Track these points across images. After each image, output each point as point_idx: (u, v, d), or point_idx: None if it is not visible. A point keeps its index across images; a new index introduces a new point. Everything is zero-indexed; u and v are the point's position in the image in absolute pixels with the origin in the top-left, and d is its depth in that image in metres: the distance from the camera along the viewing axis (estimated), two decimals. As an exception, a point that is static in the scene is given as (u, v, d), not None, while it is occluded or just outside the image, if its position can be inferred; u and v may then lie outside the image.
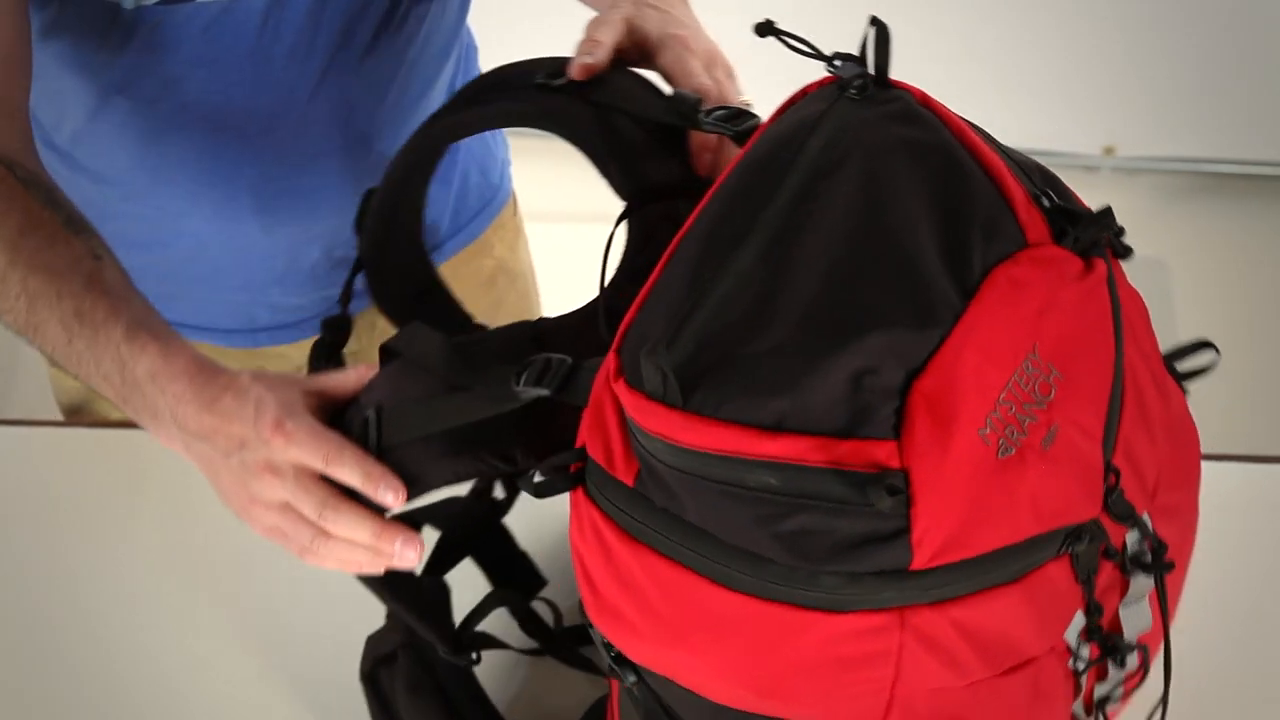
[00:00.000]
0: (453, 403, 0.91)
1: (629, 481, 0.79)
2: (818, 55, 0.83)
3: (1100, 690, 0.90)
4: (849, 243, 0.76)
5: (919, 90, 0.82)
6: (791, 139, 0.81)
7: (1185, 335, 1.13)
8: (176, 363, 0.94)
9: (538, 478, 0.82)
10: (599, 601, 0.83)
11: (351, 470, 0.90)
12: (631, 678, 0.86)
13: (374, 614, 1.09)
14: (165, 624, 1.20)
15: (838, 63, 0.82)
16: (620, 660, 0.85)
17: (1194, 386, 1.07)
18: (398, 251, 1.09)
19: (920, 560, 0.73)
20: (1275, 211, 2.86)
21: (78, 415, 1.48)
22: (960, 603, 0.76)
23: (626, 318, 0.79)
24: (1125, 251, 0.84)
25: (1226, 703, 1.21)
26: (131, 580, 1.23)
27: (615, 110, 0.97)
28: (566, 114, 0.95)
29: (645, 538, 0.79)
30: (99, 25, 1.14)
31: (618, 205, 0.95)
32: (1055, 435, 0.76)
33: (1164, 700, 0.92)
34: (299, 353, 1.41)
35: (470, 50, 1.43)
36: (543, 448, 0.89)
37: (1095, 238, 0.82)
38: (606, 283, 0.94)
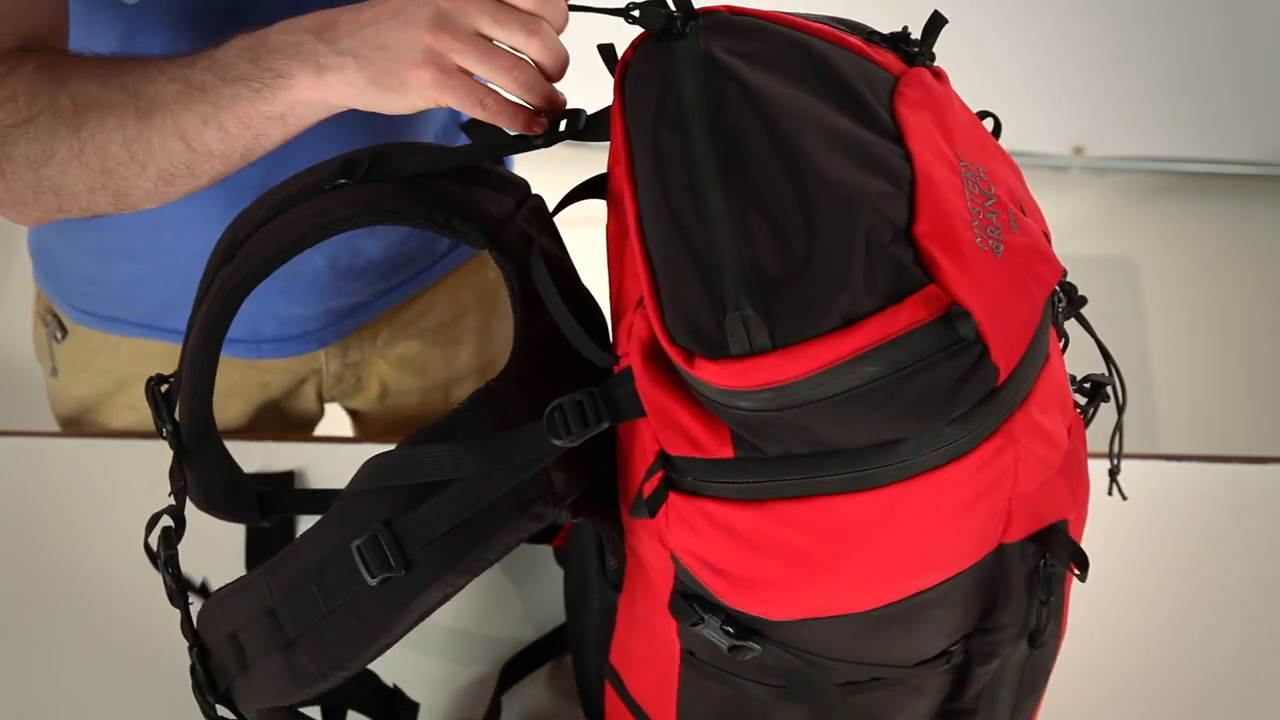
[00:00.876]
0: (475, 483, 0.89)
1: (730, 453, 0.81)
2: (614, 12, 0.90)
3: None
4: (788, 149, 0.82)
5: (722, 5, 0.90)
6: (663, 99, 0.86)
7: (1154, 332, 1.16)
8: (306, 16, 0.93)
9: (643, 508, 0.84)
10: (734, 583, 0.84)
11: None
12: (757, 648, 0.88)
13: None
14: (169, 628, 1.20)
15: (636, 13, 0.88)
16: (745, 634, 0.88)
17: (1160, 386, 1.11)
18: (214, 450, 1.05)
19: (1005, 371, 0.79)
20: (1243, 210, 2.87)
21: (75, 426, 1.47)
22: (1032, 394, 0.83)
23: (652, 317, 0.80)
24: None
25: (1225, 703, 1.22)
26: (134, 585, 1.23)
27: (422, 177, 0.97)
28: (386, 202, 0.94)
29: (770, 493, 0.81)
30: (102, 23, 1.13)
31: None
32: (1014, 218, 0.84)
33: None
34: (302, 365, 1.41)
35: None
36: (577, 469, 0.91)
37: (929, 48, 0.92)
38: (521, 320, 0.97)
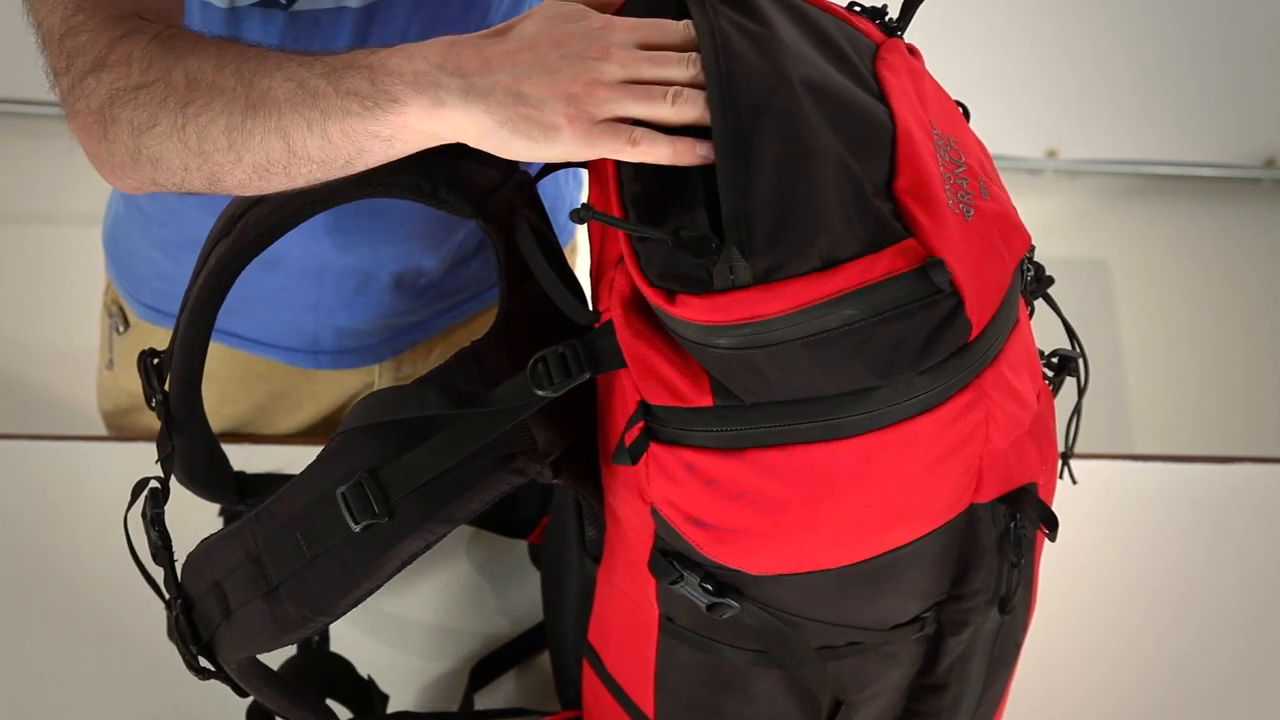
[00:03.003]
0: (459, 434, 0.91)
1: (709, 402, 0.83)
2: None
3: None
4: (781, 93, 0.84)
5: None
6: None
7: (1127, 333, 1.18)
8: (426, 42, 0.89)
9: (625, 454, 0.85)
10: (713, 534, 0.86)
11: (672, 29, 0.88)
12: (735, 605, 0.89)
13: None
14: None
15: None
16: (723, 590, 0.89)
17: (1132, 387, 1.14)
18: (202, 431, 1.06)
19: (977, 327, 0.81)
20: (1214, 212, 2.89)
21: (120, 420, 1.48)
22: (1003, 353, 0.85)
23: (629, 258, 0.82)
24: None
25: (1195, 697, 1.24)
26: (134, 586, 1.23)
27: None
28: (373, 172, 0.93)
29: (748, 441, 0.83)
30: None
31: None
32: (984, 186, 0.86)
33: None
34: (356, 379, 1.41)
35: None
36: (559, 426, 0.93)
37: (907, 23, 0.94)
38: (505, 291, 0.99)
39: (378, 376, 1.42)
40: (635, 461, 0.85)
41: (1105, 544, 1.30)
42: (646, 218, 0.83)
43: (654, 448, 0.85)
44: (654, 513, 0.88)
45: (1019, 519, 0.91)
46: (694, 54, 0.86)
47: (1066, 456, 1.04)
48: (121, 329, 1.42)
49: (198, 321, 0.98)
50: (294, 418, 1.43)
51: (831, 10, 0.93)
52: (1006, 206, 0.88)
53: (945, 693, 1.00)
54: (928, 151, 0.85)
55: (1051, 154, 2.86)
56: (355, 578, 0.92)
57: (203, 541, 0.98)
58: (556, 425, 0.93)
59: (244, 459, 1.25)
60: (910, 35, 0.95)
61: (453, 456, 0.91)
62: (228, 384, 1.38)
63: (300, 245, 1.25)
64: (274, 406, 1.41)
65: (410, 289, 1.34)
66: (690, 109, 0.84)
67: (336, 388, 1.42)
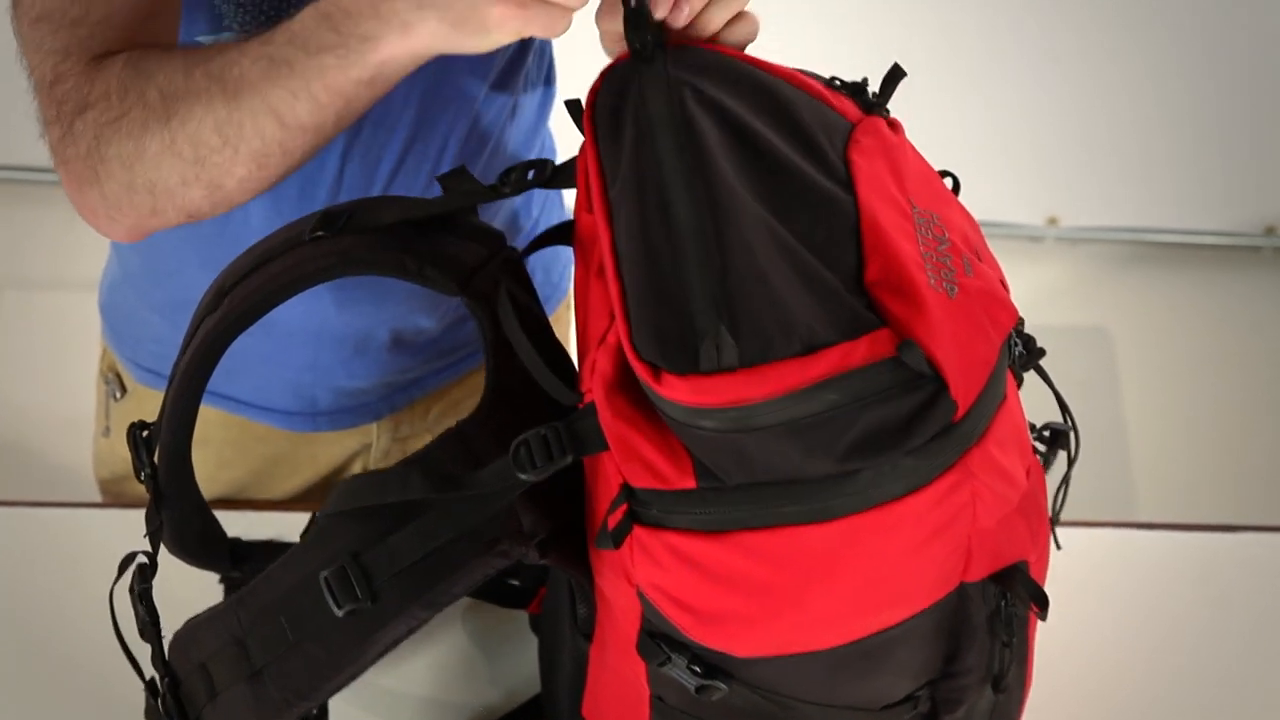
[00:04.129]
0: (443, 517, 0.91)
1: (692, 484, 0.82)
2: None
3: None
4: (749, 172, 0.85)
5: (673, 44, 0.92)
6: (634, 117, 0.88)
7: (1129, 401, 1.18)
8: None
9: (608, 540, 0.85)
10: (698, 617, 0.85)
11: None
12: (724, 688, 0.88)
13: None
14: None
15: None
16: (712, 673, 0.88)
17: (1135, 454, 1.14)
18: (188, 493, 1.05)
19: (962, 407, 0.81)
20: (1215, 280, 2.89)
21: (116, 487, 1.47)
22: (989, 432, 0.85)
23: (621, 334, 0.82)
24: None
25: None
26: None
27: (397, 227, 0.98)
28: (360, 252, 0.95)
29: (732, 523, 0.82)
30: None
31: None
32: (969, 263, 0.86)
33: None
34: (354, 439, 1.41)
35: (549, 144, 1.42)
36: (543, 508, 0.92)
37: (887, 99, 0.94)
38: (492, 367, 0.99)
39: (375, 436, 1.41)
40: (618, 545, 0.85)
41: (1107, 612, 1.29)
42: (640, 290, 0.83)
43: (637, 531, 0.84)
44: (640, 595, 0.87)
45: (1009, 598, 0.90)
46: None
47: (1054, 522, 1.03)
48: (118, 395, 1.42)
49: (185, 396, 0.98)
50: (291, 481, 1.42)
51: (807, 88, 0.92)
52: (992, 283, 0.87)
53: None
54: (903, 234, 0.85)
55: (1052, 221, 2.87)
56: (339, 662, 0.91)
57: (189, 621, 0.98)
58: (542, 506, 0.92)
59: (243, 526, 1.25)
60: (913, 103, 0.95)
61: (436, 540, 0.90)
62: (223, 448, 1.37)
63: (300, 304, 1.25)
64: (272, 470, 1.40)
65: (409, 347, 1.34)
66: None
67: (335, 449, 1.41)
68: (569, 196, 1.01)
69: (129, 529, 1.31)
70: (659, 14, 0.91)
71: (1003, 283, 0.91)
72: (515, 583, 1.20)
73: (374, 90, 0.94)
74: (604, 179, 0.88)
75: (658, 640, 0.88)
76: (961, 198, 0.97)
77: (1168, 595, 1.32)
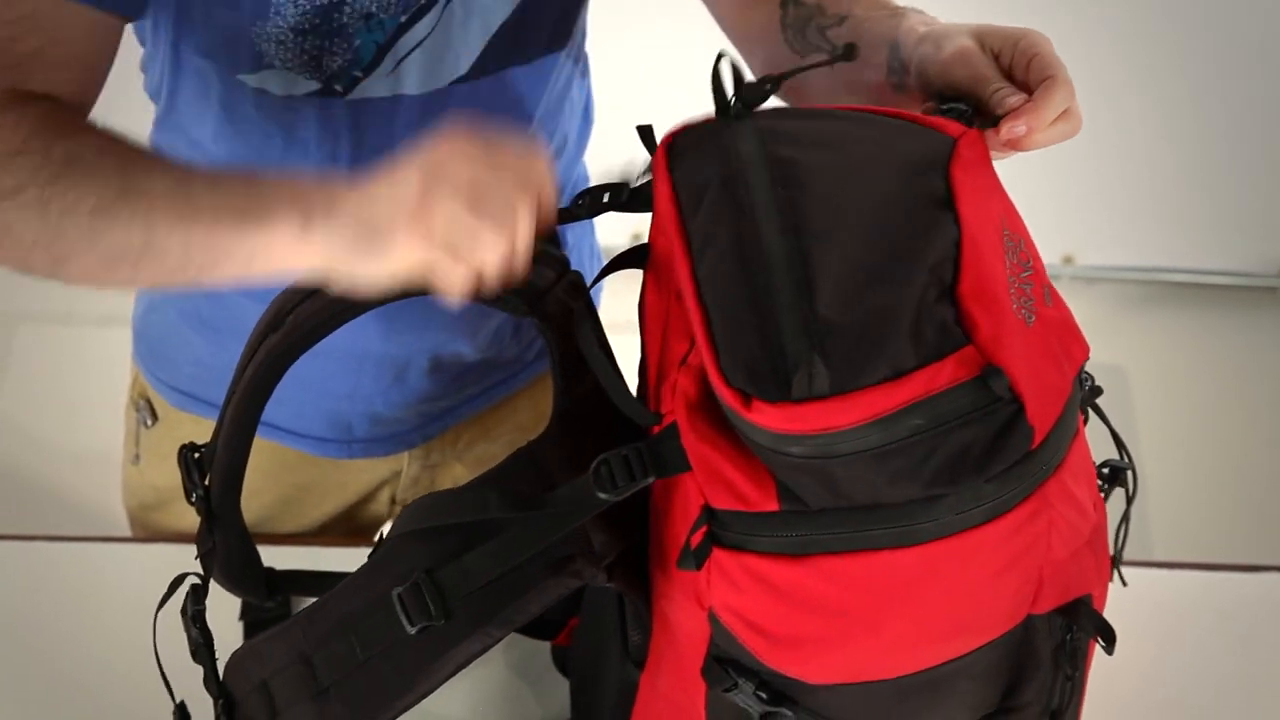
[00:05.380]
0: (518, 536, 0.91)
1: (775, 507, 0.83)
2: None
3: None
4: (847, 203, 0.85)
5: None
6: (720, 157, 0.88)
7: (1145, 440, 1.19)
8: (299, 177, 0.94)
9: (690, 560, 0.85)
10: (773, 641, 0.85)
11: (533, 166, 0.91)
12: (790, 715, 0.88)
13: None
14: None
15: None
16: (778, 699, 0.88)
17: (1151, 494, 1.15)
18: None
19: (1040, 434, 0.82)
20: (1231, 320, 2.89)
21: (147, 516, 1.47)
22: (1064, 463, 0.85)
23: (707, 360, 0.82)
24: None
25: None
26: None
27: None
28: None
29: (814, 547, 0.83)
30: (244, 111, 1.16)
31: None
32: (1049, 293, 0.87)
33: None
34: (385, 467, 1.41)
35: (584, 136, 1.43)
36: (615, 530, 0.93)
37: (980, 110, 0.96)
38: (561, 389, 1.00)
39: (406, 464, 1.41)
40: (699, 567, 0.85)
41: (1127, 652, 1.28)
42: (727, 321, 0.83)
43: (716, 553, 0.84)
44: (712, 618, 0.87)
45: (1075, 630, 0.90)
46: (524, 211, 0.89)
47: (1117, 561, 1.03)
48: (149, 422, 1.42)
49: (244, 415, 0.98)
50: (319, 509, 1.43)
51: (900, 114, 0.93)
52: (1067, 314, 0.88)
53: None
54: (995, 254, 0.85)
55: (1068, 260, 2.87)
56: (410, 681, 0.91)
57: (248, 641, 0.97)
58: (613, 528, 0.93)
59: (269, 559, 1.25)
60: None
61: (511, 560, 0.90)
62: (252, 476, 1.36)
63: (346, 331, 1.26)
64: (300, 498, 1.41)
65: (446, 374, 1.34)
66: (500, 262, 0.89)
67: (365, 477, 1.41)
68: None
69: (148, 563, 1.32)
70: (1003, 138, 0.93)
71: None
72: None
73: (245, 270, 0.94)
74: (680, 209, 0.88)
75: (725, 665, 0.88)
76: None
77: (1187, 635, 1.31)
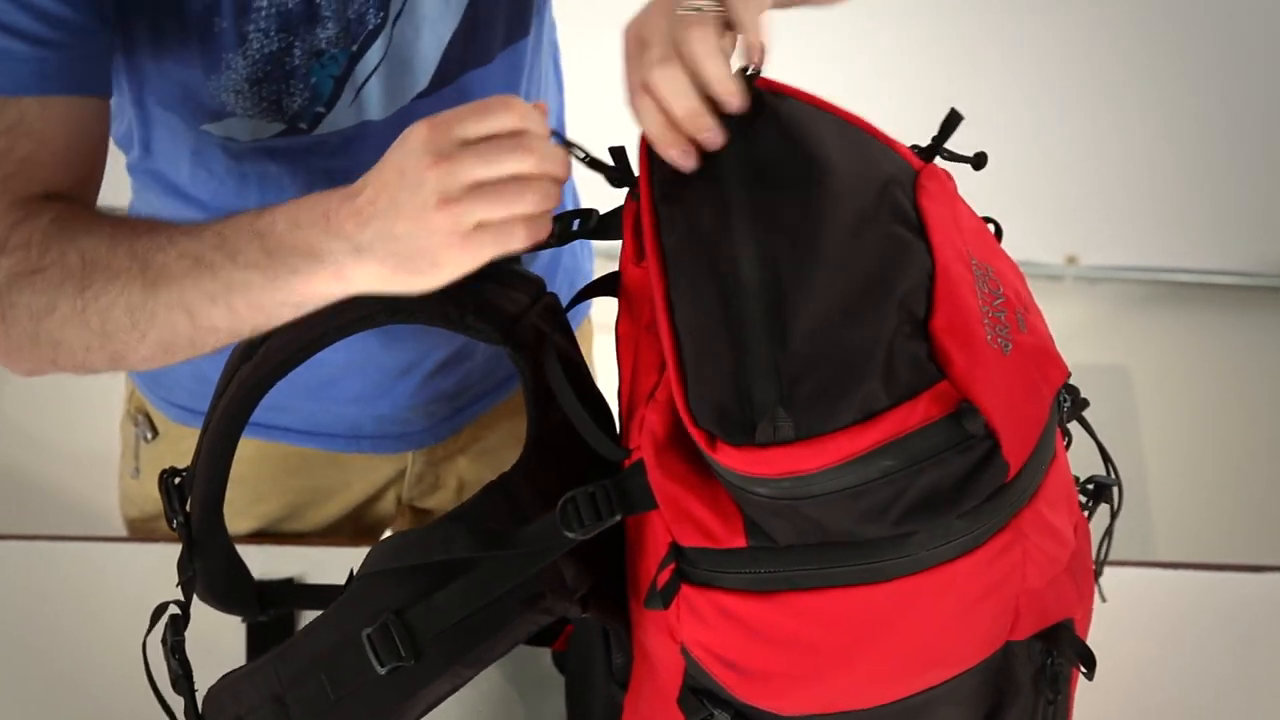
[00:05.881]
0: (487, 574, 0.90)
1: (742, 543, 0.82)
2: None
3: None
4: (821, 227, 0.84)
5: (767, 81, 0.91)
6: (700, 174, 0.87)
7: (1148, 440, 1.18)
8: (302, 203, 0.91)
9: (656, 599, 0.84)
10: (744, 676, 0.85)
11: (498, 108, 0.88)
12: None
13: None
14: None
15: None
16: None
17: (1154, 494, 1.14)
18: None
19: (1014, 467, 0.80)
20: (1235, 319, 2.89)
21: (148, 526, 1.47)
22: (1040, 491, 0.84)
23: (677, 397, 0.82)
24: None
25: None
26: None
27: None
28: (401, 300, 0.94)
29: (782, 583, 0.82)
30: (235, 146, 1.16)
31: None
32: (1022, 318, 0.86)
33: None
34: (391, 466, 1.41)
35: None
36: (586, 563, 0.92)
37: (943, 142, 0.94)
38: (534, 417, 0.99)
39: (410, 462, 1.42)
40: (667, 605, 0.84)
41: (1129, 652, 1.28)
42: (698, 353, 0.82)
43: (685, 590, 0.84)
44: (684, 651, 0.86)
45: (1055, 656, 0.89)
46: (527, 134, 0.87)
47: (1097, 573, 1.02)
48: (149, 437, 1.42)
49: (220, 444, 0.98)
50: (325, 510, 1.43)
51: (875, 133, 0.92)
52: (1044, 338, 0.87)
53: None
54: (967, 286, 0.84)
55: (1071, 260, 2.87)
56: None
57: (225, 676, 0.97)
58: (584, 561, 0.92)
59: (272, 562, 1.25)
60: (927, 144, 0.95)
61: (481, 598, 0.89)
62: (259, 483, 1.37)
63: (344, 345, 1.26)
64: (306, 501, 1.41)
65: (451, 375, 1.34)
66: (543, 199, 0.87)
67: (371, 475, 1.42)
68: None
69: (148, 563, 1.32)
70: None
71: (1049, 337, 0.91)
72: None
73: (299, 311, 0.93)
74: (658, 228, 0.87)
75: (700, 696, 0.88)
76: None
77: (1189, 635, 1.31)
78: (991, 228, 0.96)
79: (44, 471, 2.50)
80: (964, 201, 0.93)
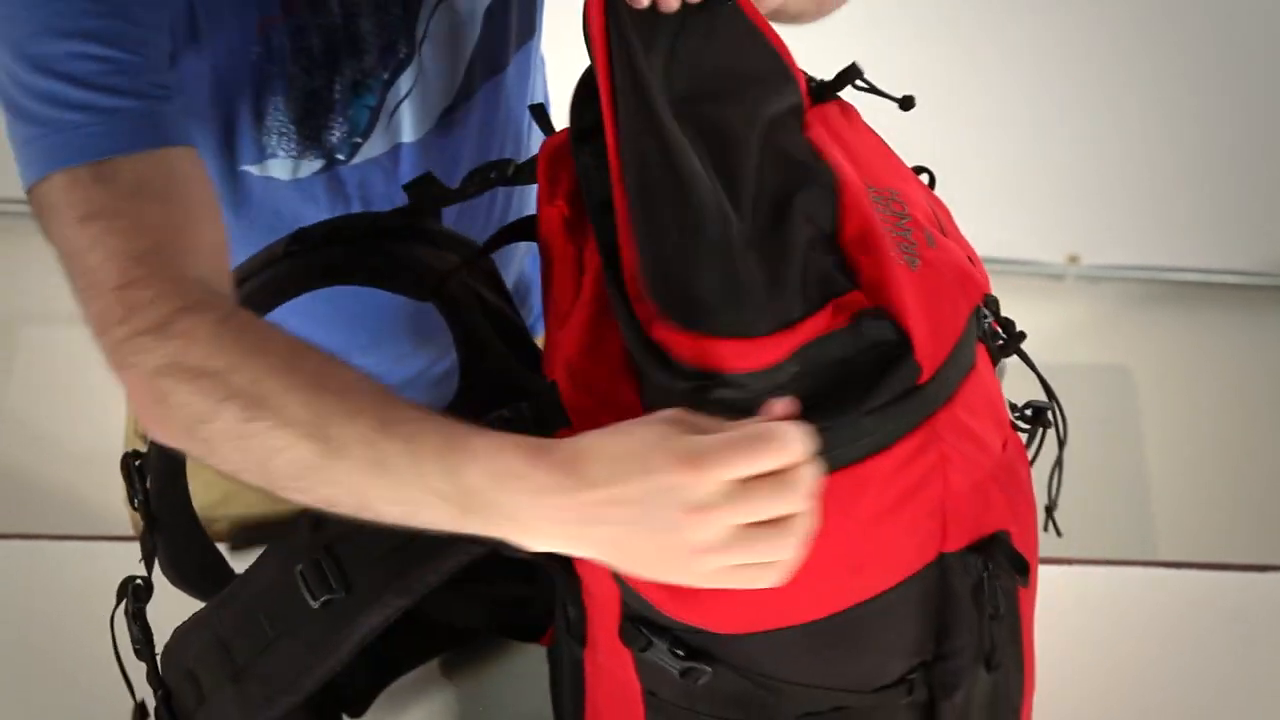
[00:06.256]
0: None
1: None
2: None
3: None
4: (740, 147, 0.88)
5: None
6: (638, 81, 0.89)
7: (1150, 439, 1.19)
8: (506, 454, 0.82)
9: None
10: (672, 592, 0.85)
11: (773, 447, 0.78)
12: (708, 670, 0.89)
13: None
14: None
15: None
16: (694, 655, 0.88)
17: (1156, 493, 1.16)
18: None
19: (928, 370, 0.84)
20: (1238, 319, 2.89)
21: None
22: (957, 396, 0.87)
23: (628, 259, 0.84)
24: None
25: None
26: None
27: (369, 239, 1.01)
28: (332, 262, 0.94)
29: None
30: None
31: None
32: (931, 236, 0.89)
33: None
34: None
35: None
36: None
37: (833, 93, 0.98)
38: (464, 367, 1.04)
39: None
40: None
41: (1132, 652, 1.28)
42: (650, 226, 0.86)
43: None
44: (615, 576, 0.88)
45: (991, 567, 0.90)
46: (796, 471, 0.79)
47: (1050, 509, 1.03)
48: None
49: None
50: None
51: (787, 57, 0.95)
52: (957, 255, 0.90)
53: None
54: (868, 208, 0.88)
55: (1073, 259, 2.87)
56: (315, 655, 0.93)
57: (177, 629, 0.99)
58: None
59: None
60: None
61: (410, 531, 0.87)
62: (246, 491, 1.37)
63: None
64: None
65: (449, 384, 1.34)
66: (802, 539, 0.80)
67: None
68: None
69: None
70: None
71: (971, 258, 0.93)
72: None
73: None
74: (613, 93, 0.89)
75: (638, 625, 0.89)
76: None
77: (1192, 635, 1.31)
78: (925, 178, 1.00)
79: (46, 470, 2.50)
80: (867, 130, 0.97)
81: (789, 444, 0.78)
